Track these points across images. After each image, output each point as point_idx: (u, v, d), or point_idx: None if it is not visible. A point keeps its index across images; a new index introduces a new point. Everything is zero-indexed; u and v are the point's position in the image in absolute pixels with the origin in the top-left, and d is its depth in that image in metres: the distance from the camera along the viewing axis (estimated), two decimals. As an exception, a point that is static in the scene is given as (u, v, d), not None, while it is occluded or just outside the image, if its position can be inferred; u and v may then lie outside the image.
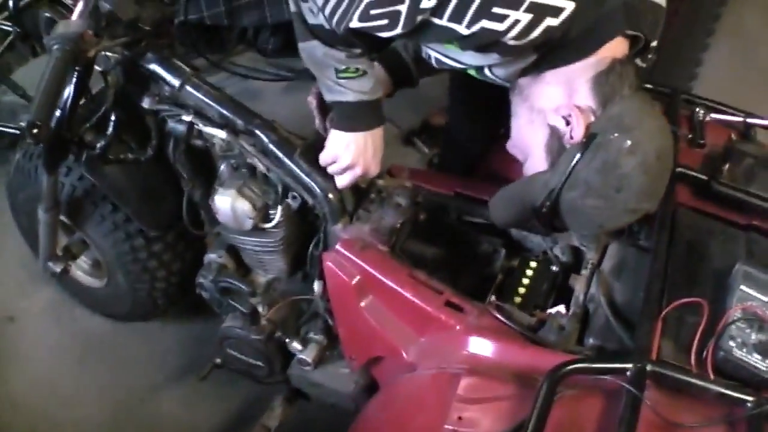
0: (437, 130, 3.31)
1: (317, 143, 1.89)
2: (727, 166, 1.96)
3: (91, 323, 3.03)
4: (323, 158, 1.86)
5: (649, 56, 1.64)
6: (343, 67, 1.68)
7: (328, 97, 1.78)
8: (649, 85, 2.22)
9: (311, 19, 1.63)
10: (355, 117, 1.78)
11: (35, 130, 1.66)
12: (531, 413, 1.31)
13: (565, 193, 1.52)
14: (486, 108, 2.42)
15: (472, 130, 2.49)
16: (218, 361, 2.31)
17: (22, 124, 1.67)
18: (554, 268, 1.93)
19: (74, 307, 3.08)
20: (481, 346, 1.61)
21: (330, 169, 1.87)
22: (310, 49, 1.69)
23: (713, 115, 2.14)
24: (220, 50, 4.46)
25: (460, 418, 1.44)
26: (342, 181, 1.87)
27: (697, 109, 2.15)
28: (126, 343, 2.96)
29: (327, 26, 1.59)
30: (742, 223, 1.85)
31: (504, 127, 2.52)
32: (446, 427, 1.43)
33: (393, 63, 2.00)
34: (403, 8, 1.41)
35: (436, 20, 1.41)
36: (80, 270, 2.88)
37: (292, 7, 1.69)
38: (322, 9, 1.55)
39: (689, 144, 2.06)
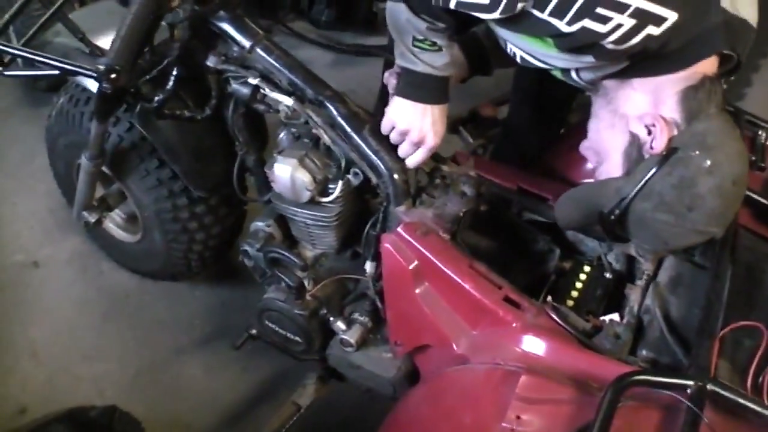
0: (485, 121, 3.31)
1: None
2: (788, 192, 1.97)
3: (118, 278, 3.06)
4: (383, 126, 1.89)
5: (732, 78, 1.63)
6: (422, 37, 1.70)
7: (399, 62, 1.79)
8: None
9: None
10: (420, 88, 1.79)
11: (114, 75, 1.67)
12: (594, 420, 1.31)
13: (637, 203, 1.52)
14: (551, 107, 2.43)
15: (532, 127, 2.50)
16: (254, 331, 2.32)
17: (100, 67, 1.66)
18: (608, 275, 1.93)
19: (101, 259, 3.11)
20: (537, 346, 1.61)
21: (391, 138, 1.89)
22: (396, 11, 1.70)
23: (776, 139, 2.14)
24: (272, 16, 4.48)
25: (518, 417, 1.44)
26: (411, 160, 1.90)
27: (760, 132, 2.15)
28: (152, 302, 2.98)
29: None
30: (801, 251, 1.86)
31: (565, 128, 2.55)
32: (504, 425, 1.43)
33: (472, 48, 2.00)
34: None
35: (537, 12, 1.40)
36: (113, 223, 2.91)
37: None
38: None
39: (750, 166, 2.05)
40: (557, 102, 2.46)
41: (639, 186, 1.50)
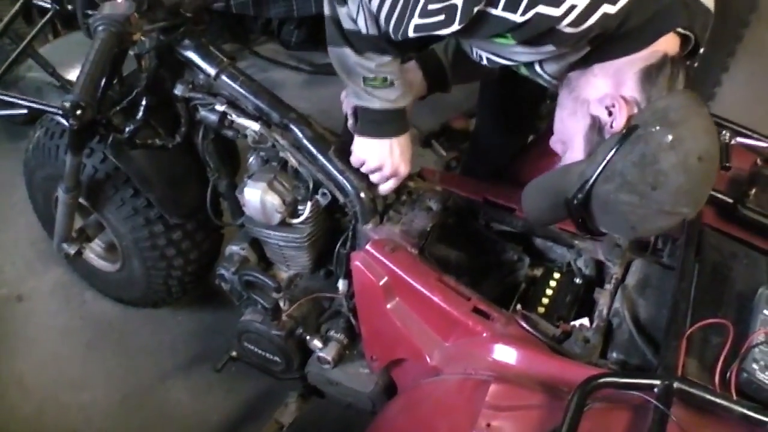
0: (457, 134, 3.33)
1: (352, 142, 1.91)
2: (753, 190, 1.98)
3: (100, 307, 3.05)
4: (353, 162, 1.91)
5: (695, 64, 1.62)
6: (372, 75, 1.71)
7: (355, 102, 1.81)
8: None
9: (347, 24, 1.66)
10: (380, 124, 1.81)
11: (80, 111, 1.68)
12: (562, 424, 1.32)
13: (600, 185, 1.46)
14: (516, 116, 2.44)
15: (500, 137, 2.50)
16: (234, 353, 2.33)
17: (66, 104, 1.67)
18: (577, 280, 1.94)
19: (84, 289, 3.10)
20: (508, 354, 1.62)
21: (362, 170, 1.91)
22: (341, 55, 1.72)
23: (739, 139, 2.14)
24: (242, 40, 4.49)
25: (488, 425, 1.46)
26: (384, 187, 1.93)
27: (724, 132, 2.16)
28: (136, 329, 2.98)
29: (364, 32, 1.62)
30: (766, 248, 1.87)
31: (534, 135, 2.56)
32: (474, 433, 1.44)
33: (431, 65, 2.01)
34: (458, 1, 1.39)
35: (492, 10, 1.39)
36: (93, 253, 2.90)
37: (327, 11, 1.70)
38: (376, 14, 1.56)
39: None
40: (524, 111, 2.47)
41: (600, 167, 1.45)
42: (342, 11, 1.64)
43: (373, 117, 1.79)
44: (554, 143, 1.71)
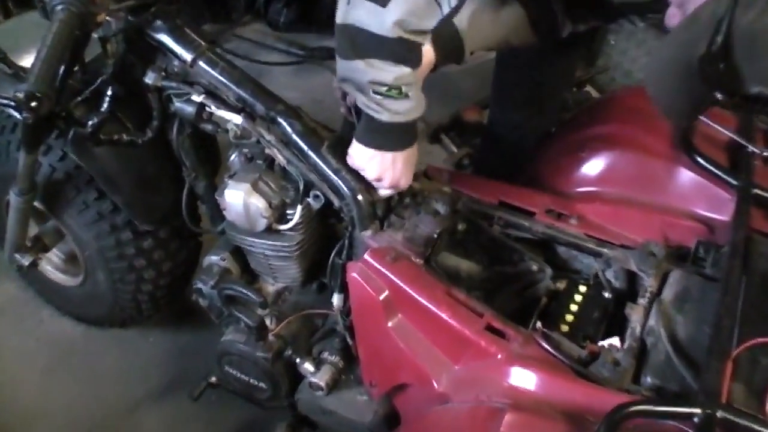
0: (470, 127, 3.34)
1: (348, 136, 1.92)
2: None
3: (60, 327, 3.07)
4: (350, 164, 1.93)
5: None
6: (385, 89, 1.72)
7: (359, 106, 1.82)
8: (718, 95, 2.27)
9: (374, 26, 1.66)
10: (385, 135, 1.83)
11: (34, 103, 1.69)
12: (587, 458, 1.34)
13: (740, 17, 1.29)
14: (537, 99, 2.45)
15: (518, 124, 2.53)
16: (213, 379, 2.35)
17: (19, 95, 1.68)
18: (606, 294, 1.95)
19: (40, 307, 3.12)
20: (526, 379, 1.63)
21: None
22: (351, 69, 1.73)
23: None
24: (224, 20, 4.51)
25: (504, 459, 1.47)
26: (381, 192, 1.96)
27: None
28: (101, 352, 3.00)
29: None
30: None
31: (557, 127, 2.57)
32: (487, 469, 1.45)
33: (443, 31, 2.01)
34: None
35: None
36: (51, 264, 2.92)
37: (340, 19, 1.72)
38: None
39: (765, 163, 2.09)
40: (545, 94, 2.48)
41: None
42: (366, 8, 1.65)
43: (378, 127, 1.81)
44: (671, 16, 1.55)
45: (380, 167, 1.87)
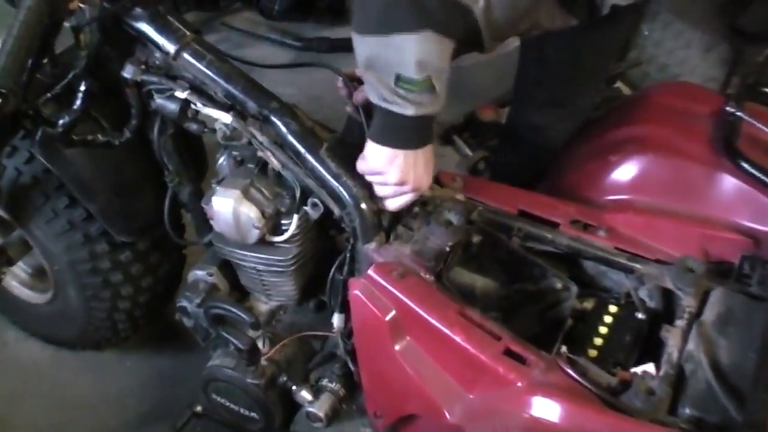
0: (486, 127, 3.35)
1: (352, 138, 1.92)
2: None
3: (26, 350, 3.08)
4: (361, 168, 1.91)
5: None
6: (411, 75, 1.69)
7: (377, 102, 1.78)
8: (766, 89, 2.28)
9: None
10: (406, 131, 1.81)
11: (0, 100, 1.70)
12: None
13: None
14: (563, 97, 2.45)
15: (539, 126, 2.53)
16: (199, 408, 2.35)
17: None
18: (639, 315, 1.95)
19: (5, 328, 3.13)
20: (549, 410, 1.63)
21: (373, 182, 1.92)
22: (383, 47, 1.69)
23: None
24: (212, 8, 4.52)
25: (524, 499, 1.48)
26: (394, 203, 1.94)
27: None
28: (72, 378, 3.00)
29: None
30: None
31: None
32: None
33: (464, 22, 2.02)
34: None
35: None
36: (16, 280, 2.93)
37: None
38: None
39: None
40: (576, 93, 2.50)
41: None
42: None
43: (399, 123, 1.79)
44: None
45: (402, 170, 1.84)
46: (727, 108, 2.16)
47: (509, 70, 2.53)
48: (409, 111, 1.73)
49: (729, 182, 2.07)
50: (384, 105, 1.75)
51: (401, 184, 1.87)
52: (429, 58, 1.68)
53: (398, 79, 1.69)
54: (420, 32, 1.64)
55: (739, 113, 2.13)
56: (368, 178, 1.91)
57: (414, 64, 1.66)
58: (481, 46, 1.98)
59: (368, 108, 1.87)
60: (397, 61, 1.67)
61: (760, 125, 2.11)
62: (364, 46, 1.71)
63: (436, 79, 1.71)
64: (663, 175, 2.16)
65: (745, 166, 2.03)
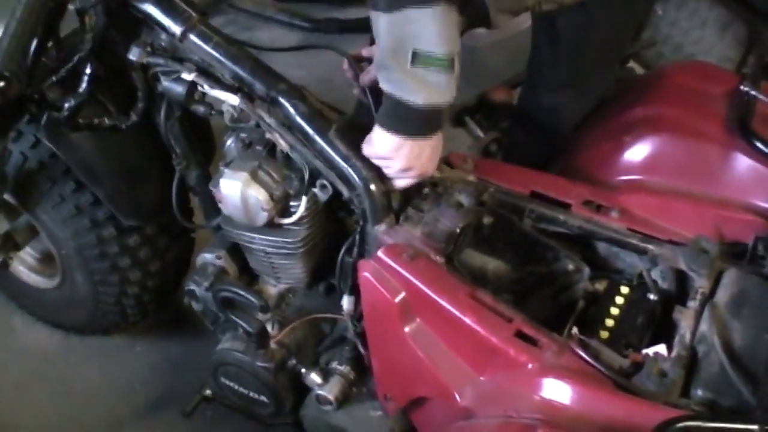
0: (498, 108, 3.34)
1: (361, 120, 1.93)
2: None
3: (34, 335, 3.09)
4: (366, 152, 1.92)
5: None
6: (431, 50, 1.68)
7: (387, 89, 1.78)
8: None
9: None
10: (413, 122, 1.81)
11: (3, 84, 1.70)
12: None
13: None
14: (576, 77, 2.45)
15: (552, 107, 2.53)
16: (208, 392, 2.36)
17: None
18: (652, 296, 1.96)
19: (12, 313, 3.14)
20: (560, 392, 1.65)
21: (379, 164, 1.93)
22: (398, 24, 1.69)
23: None
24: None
25: (534, 482, 1.49)
26: (399, 183, 1.95)
27: None
28: (80, 363, 3.01)
29: None
30: None
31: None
32: (517, 492, 1.47)
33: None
34: None
35: None
36: (24, 265, 2.94)
37: None
38: None
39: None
40: (589, 74, 2.50)
41: None
42: None
43: (408, 113, 1.79)
44: None
45: (409, 156, 1.85)
46: (742, 87, 2.16)
47: (522, 51, 2.53)
48: (420, 99, 1.74)
49: (743, 162, 2.07)
50: (396, 93, 1.75)
51: (406, 170, 1.88)
52: (446, 32, 1.68)
53: (415, 57, 1.69)
54: (432, 5, 1.64)
55: (753, 93, 2.14)
56: (373, 161, 1.92)
57: (432, 37, 1.67)
58: (487, 19, 1.99)
59: (375, 90, 1.86)
60: (414, 34, 1.67)
61: (775, 104, 2.12)
62: (381, 24, 1.71)
63: (456, 54, 1.71)
64: (677, 156, 2.16)
65: (760, 146, 2.03)
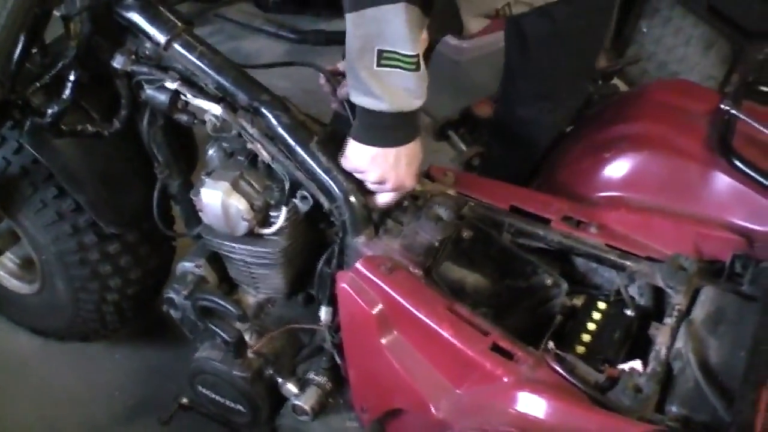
0: (482, 123, 3.35)
1: (342, 131, 1.94)
2: None
3: (13, 341, 3.08)
4: (345, 166, 1.94)
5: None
6: (396, 49, 1.70)
7: (355, 98, 1.81)
8: (765, 88, 2.29)
9: None
10: (386, 129, 1.83)
11: None
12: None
13: None
14: (549, 89, 2.47)
15: (527, 120, 2.54)
16: (185, 401, 2.36)
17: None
18: (629, 312, 1.97)
19: (-9, 319, 3.11)
20: (535, 406, 1.65)
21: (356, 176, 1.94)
22: (362, 22, 1.69)
23: None
24: (207, -1, 4.52)
25: (508, 496, 1.49)
26: (381, 199, 1.96)
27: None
28: (59, 370, 3.01)
29: None
30: None
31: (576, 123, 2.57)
32: (490, 507, 1.47)
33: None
34: None
35: None
36: (4, 270, 2.94)
37: None
38: None
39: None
40: (562, 86, 2.51)
41: None
42: None
43: (378, 122, 1.81)
44: None
45: (383, 167, 1.86)
46: (723, 106, 2.17)
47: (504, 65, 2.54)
48: (386, 104, 1.75)
49: (723, 181, 2.08)
50: (364, 101, 1.77)
51: (381, 182, 1.90)
52: (409, 30, 1.68)
53: (380, 56, 1.70)
54: (394, 3, 1.64)
55: (734, 112, 2.15)
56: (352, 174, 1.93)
57: (395, 35, 1.68)
58: (459, 24, 2.00)
59: (352, 103, 1.87)
60: (377, 33, 1.69)
61: (756, 124, 2.13)
62: (347, 25, 1.72)
63: (420, 56, 1.72)
64: (657, 173, 2.17)
65: (740, 165, 2.04)
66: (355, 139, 1.87)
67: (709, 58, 3.70)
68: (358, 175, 1.92)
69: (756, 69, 3.42)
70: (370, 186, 1.93)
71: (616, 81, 3.55)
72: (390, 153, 1.85)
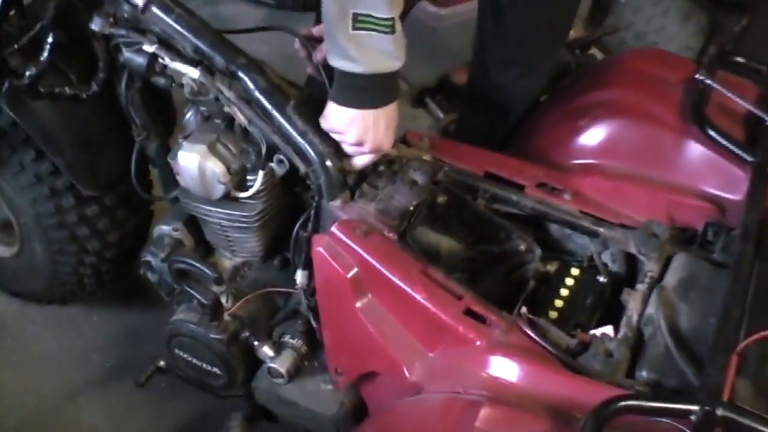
0: (459, 90, 3.35)
1: (317, 95, 1.93)
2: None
3: (-9, 303, 3.06)
4: (324, 127, 1.93)
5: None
6: (370, 12, 1.69)
7: (333, 62, 1.81)
8: (740, 59, 2.29)
9: None
10: (364, 91, 1.84)
11: None
12: (571, 456, 1.36)
13: None
14: (522, 55, 2.47)
15: (501, 86, 2.54)
16: (162, 363, 2.36)
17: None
18: (601, 278, 1.98)
19: (-31, 281, 3.10)
20: (507, 369, 1.66)
21: (335, 138, 1.94)
22: None
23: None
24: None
25: (477, 457, 1.50)
26: (357, 162, 1.97)
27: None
28: (37, 332, 3.01)
29: None
30: None
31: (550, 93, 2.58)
32: (460, 467, 1.48)
33: None
34: None
35: None
36: (-19, 233, 2.91)
37: None
38: None
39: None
40: (535, 51, 2.51)
41: None
42: None
43: (356, 84, 1.81)
44: None
45: (361, 129, 1.87)
46: (698, 76, 2.17)
47: (481, 33, 2.54)
48: (363, 66, 1.75)
49: (696, 149, 2.09)
50: (341, 64, 1.78)
51: (359, 144, 1.90)
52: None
53: (355, 20, 1.70)
54: None
55: (708, 81, 2.15)
56: (331, 135, 1.93)
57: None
58: None
59: (328, 67, 1.86)
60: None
61: (729, 94, 2.13)
62: None
63: (396, 17, 1.72)
64: (631, 140, 2.18)
65: (712, 133, 2.05)
66: (333, 100, 1.87)
67: (687, 29, 3.69)
68: (336, 137, 1.92)
69: (732, 40, 3.42)
70: (348, 148, 1.94)
71: (594, 51, 3.56)
72: (368, 114, 1.85)
